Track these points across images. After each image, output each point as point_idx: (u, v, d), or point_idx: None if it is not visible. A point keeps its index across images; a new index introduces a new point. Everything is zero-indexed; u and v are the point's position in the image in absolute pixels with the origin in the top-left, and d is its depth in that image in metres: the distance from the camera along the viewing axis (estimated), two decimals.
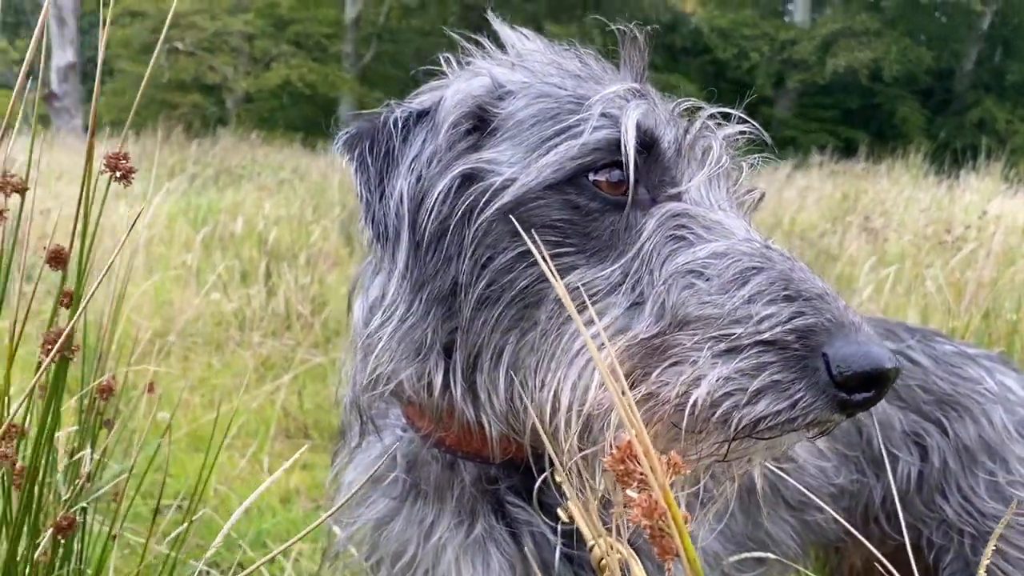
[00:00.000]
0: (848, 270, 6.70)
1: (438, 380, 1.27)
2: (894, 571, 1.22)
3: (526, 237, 0.82)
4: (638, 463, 0.68)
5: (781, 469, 1.65)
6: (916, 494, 1.83)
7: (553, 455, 1.02)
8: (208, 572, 2.74)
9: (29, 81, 1.14)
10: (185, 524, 1.60)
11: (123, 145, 1.20)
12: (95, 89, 1.13)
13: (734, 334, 1.03)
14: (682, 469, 0.70)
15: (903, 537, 1.60)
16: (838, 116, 33.66)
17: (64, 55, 23.83)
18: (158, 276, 6.40)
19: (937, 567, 1.83)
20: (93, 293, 0.98)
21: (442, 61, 1.42)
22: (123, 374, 3.60)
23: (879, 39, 31.46)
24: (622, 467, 0.68)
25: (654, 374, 1.07)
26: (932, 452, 1.81)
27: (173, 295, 6.04)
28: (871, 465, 1.80)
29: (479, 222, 1.20)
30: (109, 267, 1.04)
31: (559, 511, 1.31)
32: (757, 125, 1.40)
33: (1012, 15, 33.12)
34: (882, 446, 1.75)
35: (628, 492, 0.69)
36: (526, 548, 1.37)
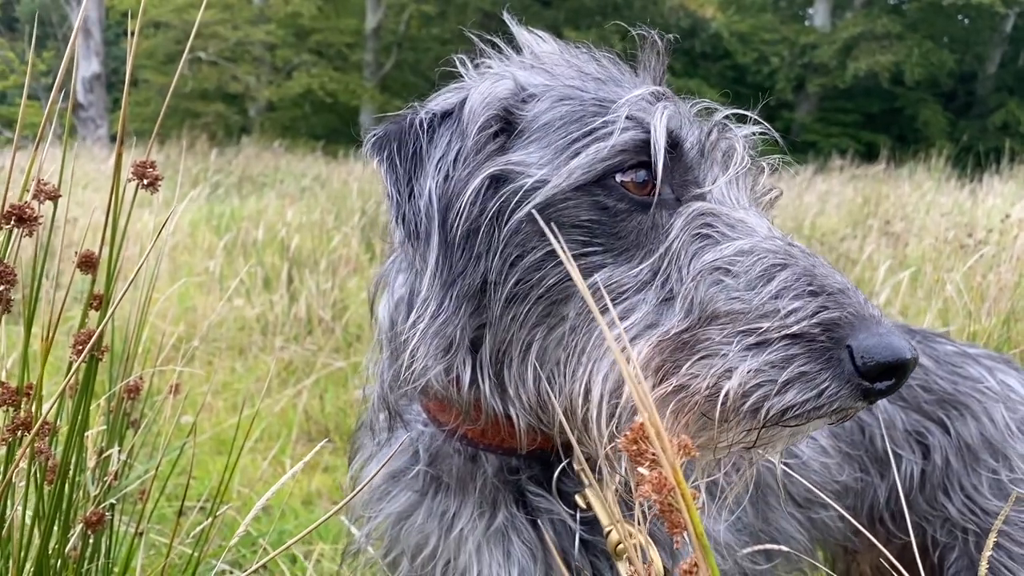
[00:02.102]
0: (868, 274, 6.69)
1: (467, 375, 1.31)
2: (905, 573, 1.26)
3: (552, 239, 0.86)
4: (649, 443, 0.72)
5: (786, 465, 1.68)
6: (919, 493, 1.85)
7: (575, 444, 1.07)
8: (231, 572, 2.80)
9: (57, 92, 1.20)
10: (208, 521, 1.66)
11: (149, 153, 1.26)
12: (123, 100, 1.19)
13: (762, 328, 1.08)
14: (692, 451, 0.74)
15: (909, 535, 1.64)
16: (859, 120, 33.41)
17: (89, 66, 24.19)
18: (182, 282, 6.51)
19: (942, 566, 1.85)
20: (123, 296, 1.04)
21: (457, 62, 1.46)
22: (148, 377, 3.68)
23: (900, 42, 31.20)
24: (635, 447, 0.71)
25: (684, 367, 1.11)
26: (934, 451, 1.83)
27: (197, 301, 6.14)
28: (874, 464, 1.82)
29: (509, 222, 1.24)
30: (137, 272, 1.10)
31: (577, 498, 1.36)
32: (769, 126, 1.44)
33: None
34: (886, 445, 1.78)
35: (640, 470, 0.73)
36: (546, 535, 1.41)
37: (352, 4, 33.01)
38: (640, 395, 0.69)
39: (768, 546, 1.62)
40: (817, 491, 1.63)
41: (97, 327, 1.27)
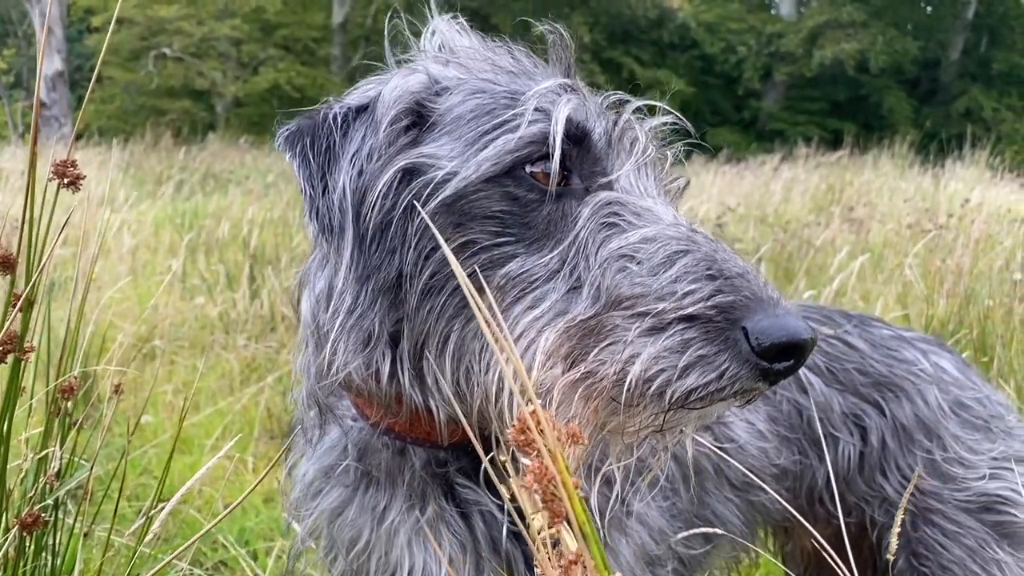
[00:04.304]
0: (830, 259, 6.77)
1: (386, 368, 1.31)
2: (834, 555, 1.29)
3: (442, 242, 0.87)
4: (533, 434, 0.72)
5: (722, 449, 1.71)
6: (858, 474, 1.88)
7: (499, 435, 1.08)
8: (192, 571, 2.79)
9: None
10: (145, 519, 1.66)
11: (71, 152, 1.25)
12: (36, 99, 1.18)
13: (659, 308, 1.11)
14: (580, 439, 0.75)
15: (847, 516, 1.67)
16: (826, 108, 33.72)
17: (52, 63, 23.80)
18: (143, 282, 6.45)
19: (880, 545, 1.89)
20: (27, 292, 1.04)
21: (388, 56, 1.47)
22: (107, 377, 3.65)
23: (865, 30, 31.51)
24: (522, 437, 0.72)
25: (592, 353, 1.13)
26: (871, 432, 1.86)
27: (159, 300, 6.08)
28: (813, 447, 1.85)
29: (421, 215, 1.25)
30: (41, 268, 1.09)
31: (501, 488, 1.37)
32: (680, 116, 1.45)
33: (997, 4, 33.21)
34: (822, 427, 1.81)
35: (523, 460, 0.74)
36: (476, 527, 1.43)
37: None
38: (525, 385, 0.70)
39: (702, 530, 1.65)
40: (753, 476, 1.65)
41: (22, 328, 1.26)
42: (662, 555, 1.56)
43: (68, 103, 24.73)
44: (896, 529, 1.25)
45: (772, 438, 1.78)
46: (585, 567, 0.67)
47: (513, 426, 0.72)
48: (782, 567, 2.19)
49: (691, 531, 1.60)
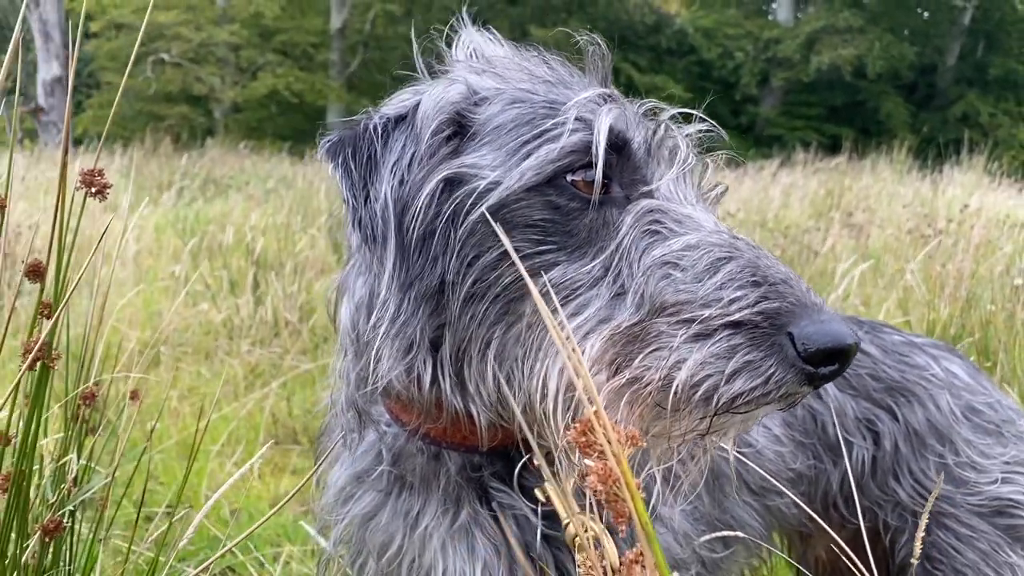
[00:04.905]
0: (831, 265, 6.79)
1: (427, 375, 1.33)
2: (856, 560, 1.30)
3: (506, 242, 0.89)
4: (596, 435, 0.74)
5: (741, 454, 1.72)
6: (871, 478, 1.89)
7: (531, 439, 1.09)
8: None
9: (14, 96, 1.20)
10: (167, 526, 1.67)
11: (98, 160, 1.26)
12: (67, 109, 1.20)
13: (705, 315, 1.12)
14: (640, 442, 0.76)
15: (861, 521, 1.68)
16: (823, 113, 33.78)
17: (50, 69, 23.80)
18: (147, 288, 6.45)
19: (893, 549, 1.90)
20: (66, 302, 1.05)
21: (418, 64, 1.48)
22: (113, 383, 3.65)
23: (862, 36, 31.59)
24: (583, 439, 0.73)
25: (637, 359, 1.15)
26: (884, 437, 1.88)
27: (162, 306, 6.09)
28: (827, 451, 1.87)
29: (464, 224, 1.26)
30: (80, 276, 1.11)
31: (537, 492, 1.38)
32: (715, 123, 1.47)
33: (994, 10, 33.28)
34: (837, 433, 1.83)
35: (587, 461, 0.75)
36: (509, 531, 1.43)
37: (317, 4, 32.79)
38: (588, 388, 0.72)
39: (724, 533, 1.66)
40: (772, 479, 1.66)
41: (48, 336, 1.27)
42: (687, 558, 1.57)
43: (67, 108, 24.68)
44: (920, 534, 1.26)
45: (788, 442, 1.80)
46: (644, 567, 0.68)
47: (574, 427, 0.73)
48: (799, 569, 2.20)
49: (714, 534, 1.61)
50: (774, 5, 37.24)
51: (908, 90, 34.97)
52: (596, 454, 0.70)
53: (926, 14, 35.10)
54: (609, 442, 0.72)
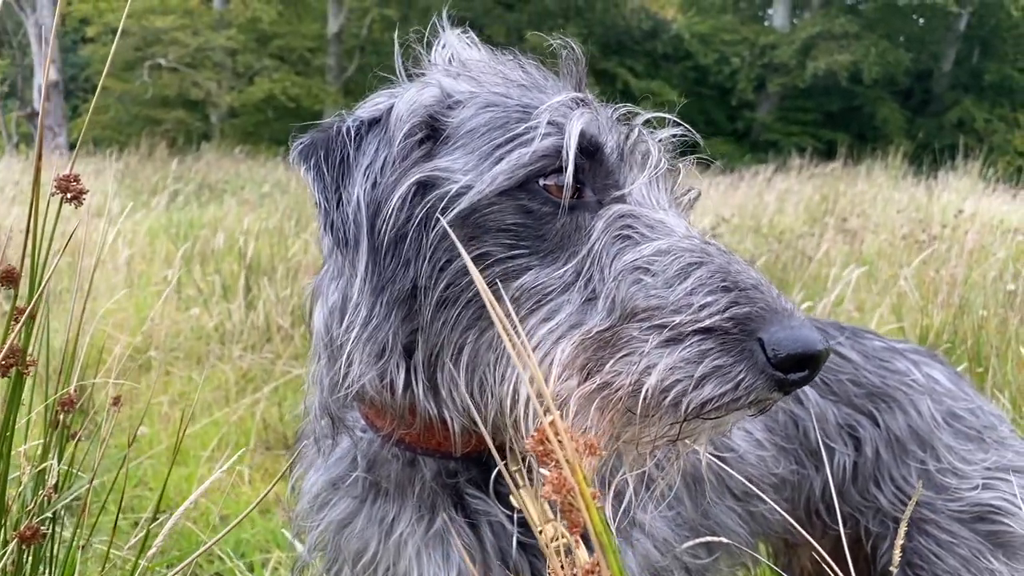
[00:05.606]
0: (825, 271, 6.80)
1: (400, 380, 1.32)
2: (837, 570, 1.30)
3: (462, 251, 0.88)
4: (552, 444, 0.73)
5: (722, 459, 1.72)
6: (852, 484, 1.89)
7: (492, 447, 1.08)
8: None
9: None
10: (145, 532, 1.66)
11: (72, 167, 1.26)
12: (41, 114, 1.20)
13: (676, 321, 1.12)
14: (597, 451, 0.76)
15: (842, 527, 1.68)
16: (819, 119, 33.85)
17: (46, 73, 23.71)
18: (139, 292, 6.45)
19: (875, 555, 1.89)
20: (33, 304, 1.05)
21: (398, 67, 1.47)
22: (103, 389, 3.64)
23: (858, 42, 31.66)
24: (540, 448, 0.73)
25: (608, 365, 1.14)
26: (865, 443, 1.87)
27: (154, 311, 6.08)
28: (809, 457, 1.86)
29: (436, 227, 1.26)
30: (47, 282, 1.10)
31: (511, 499, 1.38)
32: (690, 128, 1.46)
33: (989, 16, 33.37)
34: (818, 438, 1.83)
35: (541, 471, 0.74)
36: (484, 538, 1.43)
37: (314, 8, 32.82)
38: (544, 396, 0.71)
39: (707, 539, 1.65)
40: (752, 485, 1.66)
41: (24, 341, 1.26)
42: (668, 565, 1.57)
43: (63, 113, 24.70)
44: (899, 542, 1.26)
45: (770, 447, 1.79)
46: None
47: (531, 436, 0.73)
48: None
49: (697, 540, 1.60)
50: (770, 11, 37.34)
51: (904, 96, 35.05)
52: (552, 463, 0.70)
53: (922, 20, 35.18)
54: (565, 451, 0.72)
